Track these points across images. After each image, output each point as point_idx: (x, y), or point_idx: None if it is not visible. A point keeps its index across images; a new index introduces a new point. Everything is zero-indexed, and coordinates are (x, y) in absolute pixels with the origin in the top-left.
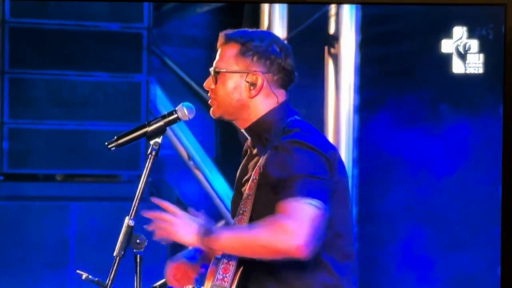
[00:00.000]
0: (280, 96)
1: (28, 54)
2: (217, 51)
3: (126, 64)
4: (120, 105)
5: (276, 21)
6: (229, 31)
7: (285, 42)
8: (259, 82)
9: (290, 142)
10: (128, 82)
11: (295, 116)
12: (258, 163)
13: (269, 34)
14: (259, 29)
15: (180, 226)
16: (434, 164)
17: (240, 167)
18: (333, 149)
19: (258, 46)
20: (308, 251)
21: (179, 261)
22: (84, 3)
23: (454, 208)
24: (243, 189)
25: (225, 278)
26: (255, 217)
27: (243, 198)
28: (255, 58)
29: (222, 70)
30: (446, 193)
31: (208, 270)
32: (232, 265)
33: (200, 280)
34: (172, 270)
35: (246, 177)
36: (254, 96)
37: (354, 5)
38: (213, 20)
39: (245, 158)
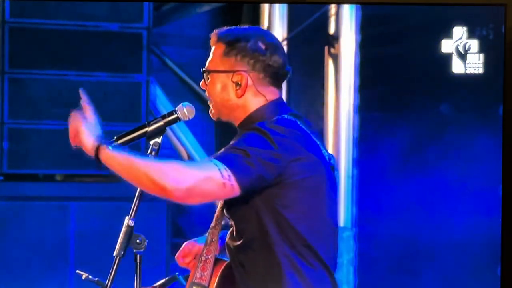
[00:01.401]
0: (269, 94)
1: (28, 54)
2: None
3: (126, 64)
4: (120, 105)
5: (276, 21)
6: (219, 30)
7: (275, 37)
8: (243, 82)
9: (249, 128)
10: (128, 82)
11: (284, 115)
12: None
13: (256, 31)
14: (249, 26)
15: (86, 128)
16: (434, 164)
17: None
18: (299, 152)
19: (243, 45)
20: (179, 195)
21: (192, 243)
22: (84, 3)
23: (454, 208)
24: None
25: (203, 276)
26: (230, 213)
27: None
28: (238, 57)
29: (209, 70)
30: (446, 193)
31: (192, 268)
32: (210, 263)
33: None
34: (184, 250)
35: None
36: (241, 96)
37: (354, 5)
38: (213, 20)
39: None
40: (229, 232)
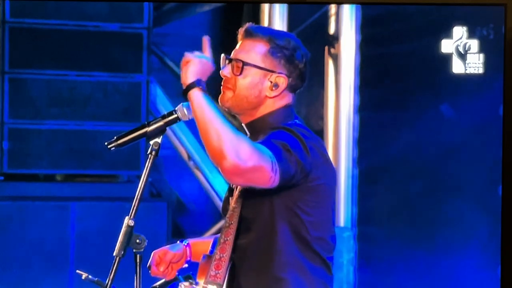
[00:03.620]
0: (290, 99)
1: (28, 54)
2: (221, 54)
3: (126, 64)
4: (120, 105)
5: (276, 21)
6: (255, 25)
7: (305, 48)
8: (282, 84)
9: (279, 127)
10: (128, 82)
11: (296, 120)
12: None
13: (293, 38)
14: (282, 31)
15: (194, 65)
16: (434, 164)
17: None
18: (324, 156)
19: (286, 48)
20: (231, 172)
21: (165, 250)
22: (84, 3)
23: (454, 208)
24: (233, 186)
25: (218, 275)
26: (243, 212)
27: (234, 195)
28: (282, 61)
29: (249, 64)
30: (446, 193)
31: (199, 266)
32: (224, 261)
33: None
34: (156, 257)
35: None
36: (273, 97)
37: (354, 5)
38: (213, 20)
39: None
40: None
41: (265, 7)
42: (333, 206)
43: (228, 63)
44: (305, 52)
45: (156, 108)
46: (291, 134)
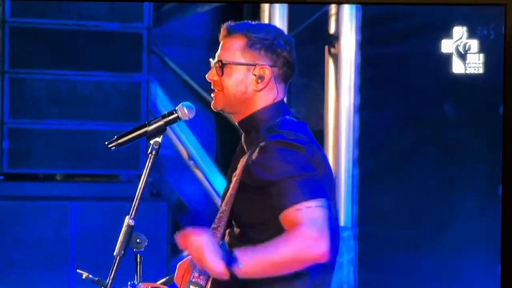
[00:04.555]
0: (281, 91)
1: (28, 54)
2: (219, 44)
3: (126, 64)
4: (120, 105)
5: (276, 21)
6: (232, 23)
7: (289, 35)
8: (267, 75)
9: (274, 142)
10: (128, 82)
11: (286, 116)
12: (243, 162)
13: (273, 27)
14: (261, 22)
15: (206, 254)
16: (434, 164)
17: (233, 160)
18: (318, 150)
19: (265, 39)
20: (329, 253)
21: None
22: (84, 3)
23: (454, 208)
24: (230, 185)
25: (201, 276)
26: (236, 216)
27: (226, 196)
28: (262, 51)
29: (229, 62)
30: (446, 193)
31: (185, 269)
32: None
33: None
34: (181, 270)
35: (233, 173)
36: (260, 90)
37: (354, 5)
38: (213, 20)
39: (239, 152)
40: (229, 231)
41: (265, 7)
42: (334, 204)
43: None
44: (288, 38)
45: (156, 108)
46: (291, 149)
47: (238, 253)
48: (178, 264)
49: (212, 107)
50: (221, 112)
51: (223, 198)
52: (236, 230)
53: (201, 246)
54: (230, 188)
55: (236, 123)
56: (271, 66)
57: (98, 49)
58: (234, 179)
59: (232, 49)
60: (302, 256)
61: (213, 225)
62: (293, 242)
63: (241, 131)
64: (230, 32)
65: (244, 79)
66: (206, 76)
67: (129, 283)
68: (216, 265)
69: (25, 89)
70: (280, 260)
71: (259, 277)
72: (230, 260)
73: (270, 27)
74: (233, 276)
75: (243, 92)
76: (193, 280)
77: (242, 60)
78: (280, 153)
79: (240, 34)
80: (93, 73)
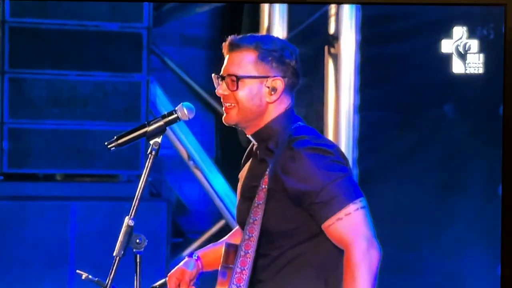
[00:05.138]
0: (290, 100)
1: (28, 54)
2: (224, 57)
3: (126, 64)
4: (120, 105)
5: (276, 21)
6: (238, 37)
7: (294, 46)
8: (279, 87)
9: (303, 149)
10: (128, 81)
11: (299, 122)
12: (267, 171)
13: (278, 39)
14: (266, 35)
15: None
16: (434, 164)
17: (244, 171)
18: (342, 152)
19: (274, 50)
20: (379, 245)
21: (181, 270)
22: (84, 3)
23: (454, 208)
24: (249, 196)
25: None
26: (266, 226)
27: (253, 207)
28: (274, 64)
29: (243, 76)
30: (446, 193)
31: (218, 281)
32: (246, 275)
33: None
34: (174, 279)
35: (253, 184)
36: (274, 101)
37: (354, 5)
38: (213, 20)
39: (249, 162)
40: (256, 246)
41: (265, 7)
42: None
43: (221, 80)
44: (293, 48)
45: (156, 108)
46: (319, 153)
47: None
48: (168, 275)
49: (224, 121)
50: (233, 126)
51: (241, 209)
52: (265, 238)
53: None
54: (257, 198)
55: (249, 136)
56: (282, 77)
57: (98, 49)
58: (258, 189)
59: (244, 62)
60: (372, 269)
61: (245, 236)
62: (361, 260)
63: (254, 141)
64: (238, 46)
65: (258, 92)
66: (217, 91)
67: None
68: None
69: (25, 89)
70: (368, 283)
71: None
72: None
73: (276, 39)
74: None
75: (258, 105)
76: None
77: (255, 73)
78: (311, 160)
79: (249, 47)
80: (93, 73)
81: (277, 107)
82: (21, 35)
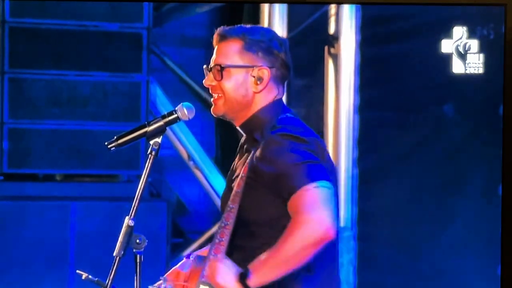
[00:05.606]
0: (280, 91)
1: (28, 54)
2: (214, 49)
3: (126, 64)
4: (120, 105)
5: (276, 21)
6: (226, 28)
7: (282, 37)
8: (265, 76)
9: (279, 135)
10: (128, 82)
11: (287, 114)
12: (247, 160)
13: (267, 29)
14: (255, 25)
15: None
16: (434, 164)
17: (233, 163)
18: (321, 145)
19: (261, 41)
20: (335, 231)
21: (176, 271)
22: (84, 3)
23: (454, 208)
24: (232, 185)
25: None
26: (243, 214)
27: (232, 195)
28: (260, 53)
29: (228, 65)
30: (446, 193)
31: (190, 269)
32: None
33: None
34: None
35: (236, 173)
36: (260, 91)
37: (354, 5)
38: (213, 20)
39: (238, 154)
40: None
41: (265, 7)
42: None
43: (209, 71)
44: (283, 40)
45: (156, 108)
46: (293, 140)
47: (249, 265)
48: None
49: (212, 112)
50: (221, 117)
51: (224, 198)
52: (244, 229)
53: (215, 271)
54: (235, 186)
55: (238, 127)
56: (269, 67)
57: (98, 49)
58: (238, 178)
59: (230, 52)
60: (309, 242)
61: (221, 224)
62: (295, 231)
63: (243, 133)
64: (225, 37)
65: (243, 81)
66: (204, 82)
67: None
68: (227, 280)
69: (25, 89)
70: (290, 253)
71: (277, 278)
72: (242, 275)
73: (265, 30)
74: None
75: (244, 95)
76: (203, 279)
77: (240, 63)
78: (283, 144)
79: (236, 37)
80: (93, 73)
81: (264, 97)
82: (21, 35)
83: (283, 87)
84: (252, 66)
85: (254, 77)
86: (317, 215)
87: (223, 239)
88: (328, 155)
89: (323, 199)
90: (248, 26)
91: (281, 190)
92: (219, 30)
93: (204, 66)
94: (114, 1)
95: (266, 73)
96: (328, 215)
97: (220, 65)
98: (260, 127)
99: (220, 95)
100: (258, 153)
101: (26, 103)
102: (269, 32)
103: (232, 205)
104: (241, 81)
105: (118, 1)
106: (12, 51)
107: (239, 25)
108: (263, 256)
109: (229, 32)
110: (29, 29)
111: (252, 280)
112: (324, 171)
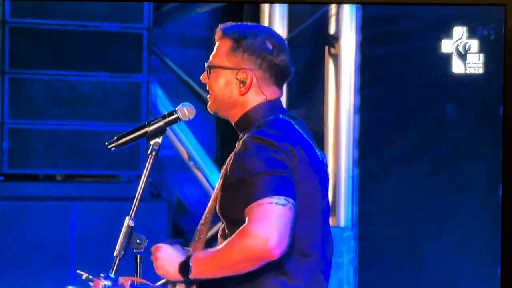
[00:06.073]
0: (271, 93)
1: (28, 54)
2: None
3: (126, 64)
4: (120, 105)
5: (276, 21)
6: (225, 25)
7: (281, 37)
8: (248, 80)
9: (251, 138)
10: (128, 82)
11: (280, 115)
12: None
13: (263, 30)
14: (255, 24)
15: (163, 264)
16: (434, 164)
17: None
18: (298, 148)
19: (250, 42)
20: (279, 251)
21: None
22: (84, 3)
23: (454, 208)
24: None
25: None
26: (220, 213)
27: (213, 194)
28: (245, 55)
29: (214, 65)
30: (446, 193)
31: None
32: (201, 243)
33: None
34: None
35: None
36: (244, 94)
37: (354, 5)
38: (213, 20)
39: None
40: (220, 228)
41: (265, 7)
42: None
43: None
44: (278, 41)
45: (156, 108)
46: (264, 145)
47: (193, 256)
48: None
49: (208, 109)
50: (216, 114)
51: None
52: (224, 226)
53: (160, 255)
54: (217, 185)
55: (234, 126)
56: (254, 70)
57: (98, 49)
58: (220, 177)
59: (219, 52)
60: (247, 256)
61: (201, 221)
62: (237, 242)
63: (238, 132)
64: (221, 35)
65: (228, 83)
66: (200, 78)
67: (101, 275)
68: (170, 269)
69: (25, 89)
70: (227, 261)
71: (211, 277)
72: (184, 267)
73: (260, 29)
74: (186, 277)
75: (229, 96)
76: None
77: (227, 64)
78: (255, 149)
79: (227, 37)
80: (93, 73)
81: (253, 98)
82: (21, 35)
83: (277, 87)
84: (237, 69)
85: (238, 79)
86: (262, 232)
87: (201, 237)
88: (307, 161)
89: (275, 216)
90: (245, 24)
91: (243, 195)
92: (218, 27)
93: (206, 63)
94: (114, 1)
95: (248, 76)
96: (274, 234)
97: (208, 65)
98: (248, 126)
99: (210, 92)
100: (233, 153)
101: (26, 103)
102: (264, 32)
103: (211, 203)
104: (226, 83)
105: (118, 1)
106: (12, 51)
107: (236, 24)
108: (207, 253)
109: (224, 30)
110: (29, 29)
111: (191, 274)
112: (286, 184)
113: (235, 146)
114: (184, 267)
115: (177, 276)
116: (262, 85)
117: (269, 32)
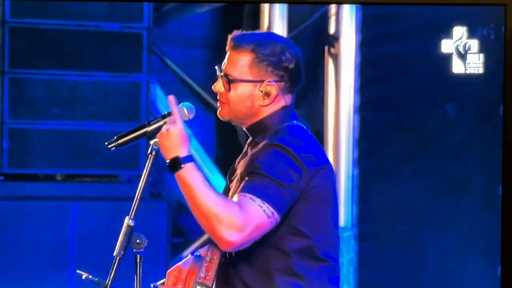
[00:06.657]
0: (288, 100)
1: (28, 54)
2: (225, 54)
3: (126, 64)
4: (120, 105)
5: (276, 21)
6: (239, 34)
7: (294, 45)
8: (273, 92)
9: (271, 144)
10: (128, 82)
11: (294, 121)
12: (245, 162)
13: (281, 41)
14: (268, 33)
15: (173, 141)
16: (434, 164)
17: (234, 162)
18: (319, 164)
19: (271, 55)
20: (232, 247)
21: (179, 268)
22: (84, 3)
23: (454, 208)
24: (231, 185)
25: (207, 276)
26: None
27: (229, 195)
28: (270, 68)
29: (236, 78)
30: (446, 193)
31: (189, 268)
32: (215, 264)
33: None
34: (171, 277)
35: (235, 174)
36: (267, 105)
37: (354, 5)
38: (213, 20)
39: (242, 154)
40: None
41: (265, 7)
42: (335, 206)
43: (220, 77)
44: (295, 51)
45: (156, 108)
46: (282, 152)
47: (192, 167)
48: (167, 273)
49: (218, 115)
50: (226, 120)
51: None
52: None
53: (176, 125)
54: (233, 187)
55: (245, 129)
56: (278, 81)
57: (98, 49)
58: (236, 178)
59: (239, 64)
60: (214, 223)
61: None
62: (224, 207)
63: (249, 135)
64: (237, 46)
65: (250, 95)
66: (213, 87)
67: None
68: (180, 147)
69: (25, 89)
70: (204, 205)
71: (184, 194)
72: (186, 159)
73: (278, 40)
74: (172, 167)
75: (249, 107)
76: (199, 280)
77: (249, 77)
78: (271, 154)
79: (247, 49)
80: (93, 73)
81: (272, 107)
82: (21, 35)
83: (293, 95)
84: (261, 81)
85: (261, 91)
86: (241, 226)
87: (214, 257)
88: (325, 177)
89: (258, 221)
90: (261, 34)
91: (245, 180)
92: (233, 35)
93: (216, 67)
94: (114, 1)
95: (274, 88)
96: (244, 234)
97: (228, 77)
98: (264, 131)
99: (224, 102)
100: (252, 155)
101: (26, 103)
102: (282, 42)
103: None
104: (248, 95)
105: (118, 1)
106: (12, 51)
107: (252, 33)
108: (204, 181)
109: (241, 41)
110: (29, 29)
111: (177, 172)
112: (282, 199)
113: (235, 146)
114: (178, 162)
115: (167, 155)
116: (282, 94)
117: (287, 42)
